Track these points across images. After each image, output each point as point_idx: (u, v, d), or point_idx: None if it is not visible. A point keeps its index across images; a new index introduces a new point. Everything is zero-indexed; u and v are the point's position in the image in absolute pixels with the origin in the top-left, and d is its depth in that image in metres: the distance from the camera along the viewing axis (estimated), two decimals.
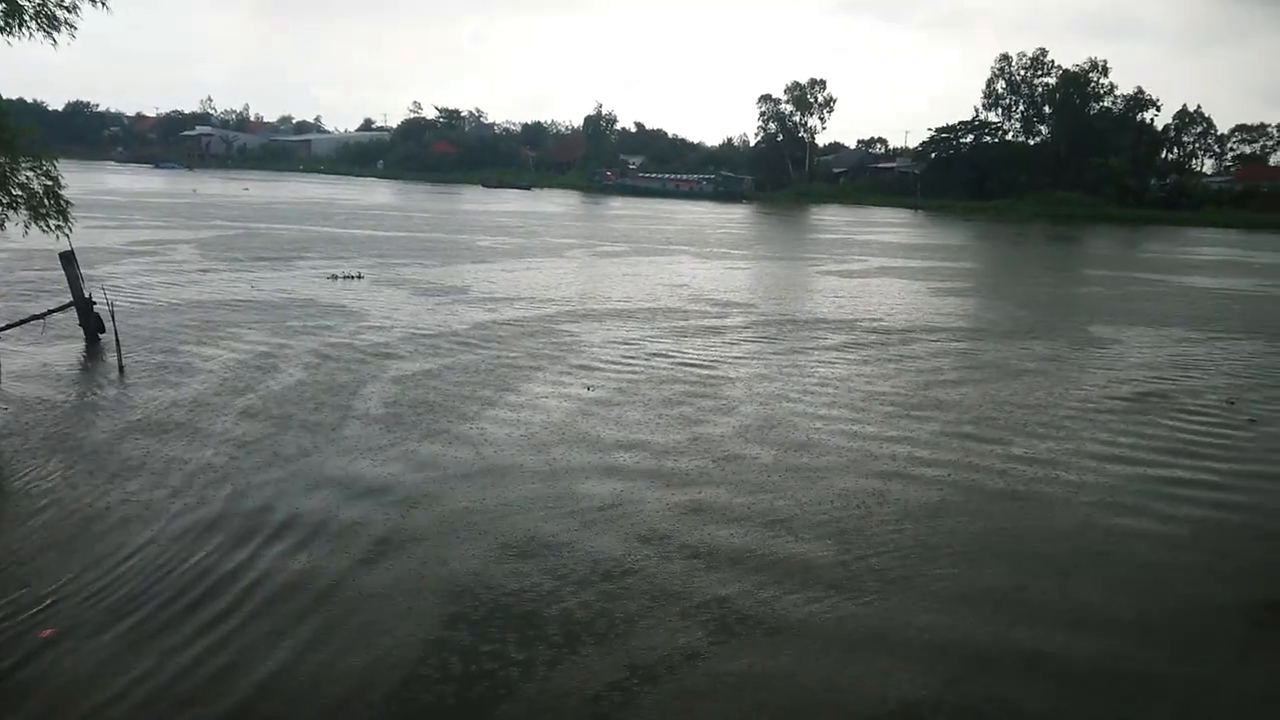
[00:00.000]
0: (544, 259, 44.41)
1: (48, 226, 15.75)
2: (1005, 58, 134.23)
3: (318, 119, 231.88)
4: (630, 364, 21.14)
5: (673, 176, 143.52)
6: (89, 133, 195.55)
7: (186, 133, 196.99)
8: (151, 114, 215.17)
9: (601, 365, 20.85)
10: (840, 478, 13.86)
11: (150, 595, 9.61)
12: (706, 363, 21.67)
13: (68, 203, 16.02)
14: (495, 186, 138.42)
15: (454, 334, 23.94)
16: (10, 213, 15.41)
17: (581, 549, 11.00)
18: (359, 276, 34.24)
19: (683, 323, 27.10)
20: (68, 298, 22.06)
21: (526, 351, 22.08)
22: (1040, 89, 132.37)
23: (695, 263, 45.63)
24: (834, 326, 27.54)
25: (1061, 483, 14.07)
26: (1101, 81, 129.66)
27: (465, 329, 24.69)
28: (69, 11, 15.32)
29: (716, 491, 13.06)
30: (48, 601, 9.37)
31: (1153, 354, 25.19)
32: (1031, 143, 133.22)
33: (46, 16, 15.18)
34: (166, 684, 8.07)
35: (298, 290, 30.40)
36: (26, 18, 15.00)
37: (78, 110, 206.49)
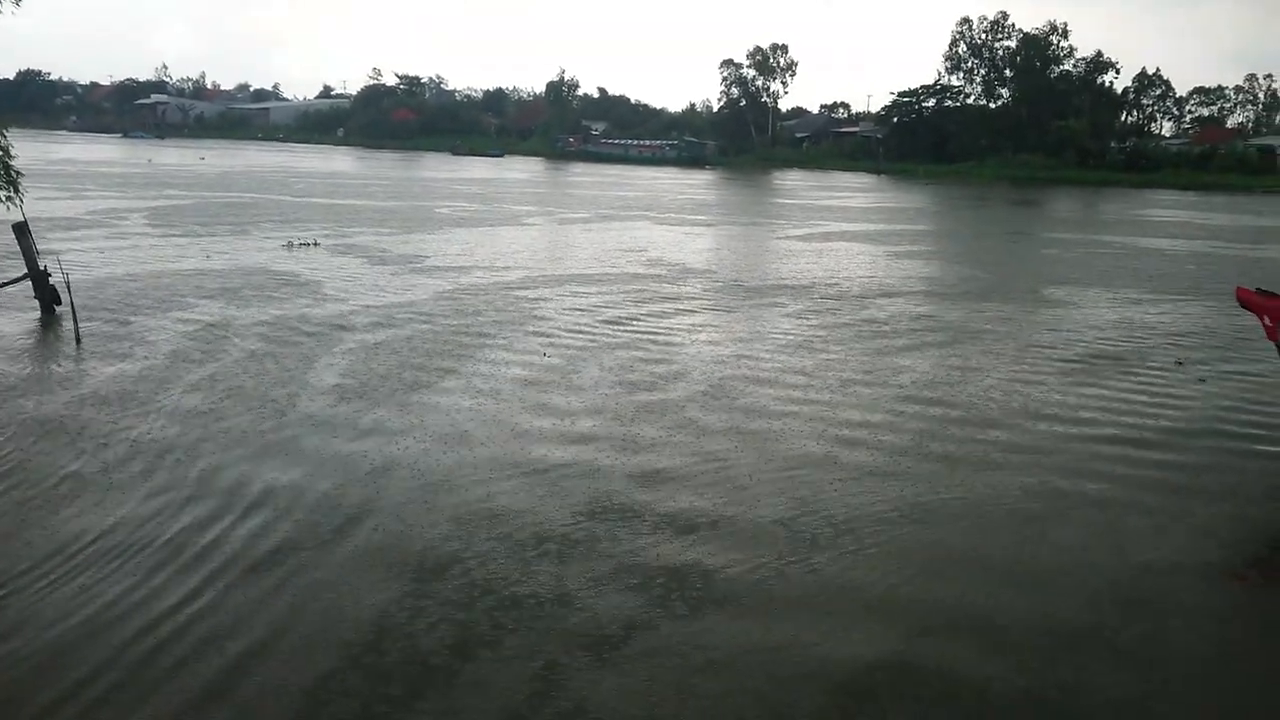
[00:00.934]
0: (503, 226, 44.17)
1: None
2: (966, 21, 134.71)
3: (276, 86, 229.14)
4: (586, 331, 21.09)
5: (636, 142, 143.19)
6: (41, 102, 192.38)
7: (142, 101, 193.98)
8: (105, 82, 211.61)
9: (557, 332, 20.79)
10: (793, 442, 13.91)
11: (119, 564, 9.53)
12: (661, 329, 21.65)
13: (18, 173, 15.78)
14: (465, 154, 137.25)
15: (410, 303, 23.76)
16: None
17: (532, 517, 10.98)
18: (315, 244, 33.92)
19: (640, 288, 27.05)
20: (18, 270, 21.70)
21: (482, 319, 21.97)
22: (1001, 52, 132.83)
23: (655, 229, 45.56)
24: (791, 292, 27.58)
25: (1012, 446, 14.17)
26: (1061, 44, 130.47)
27: (421, 298, 24.52)
28: None
29: (667, 457, 13.04)
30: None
31: (1104, 315, 25.42)
32: (993, 106, 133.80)
33: None
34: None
35: (252, 259, 30.05)
36: None
37: (29, 79, 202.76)
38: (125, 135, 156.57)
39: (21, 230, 21.00)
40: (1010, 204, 76.31)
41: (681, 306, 24.71)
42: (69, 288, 20.15)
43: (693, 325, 22.37)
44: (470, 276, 28.23)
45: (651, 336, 20.79)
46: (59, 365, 17.09)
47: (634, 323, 22.22)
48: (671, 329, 21.77)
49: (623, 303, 24.74)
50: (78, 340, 18.63)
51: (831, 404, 16.00)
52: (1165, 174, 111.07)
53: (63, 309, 20.51)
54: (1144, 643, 8.86)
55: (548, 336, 20.33)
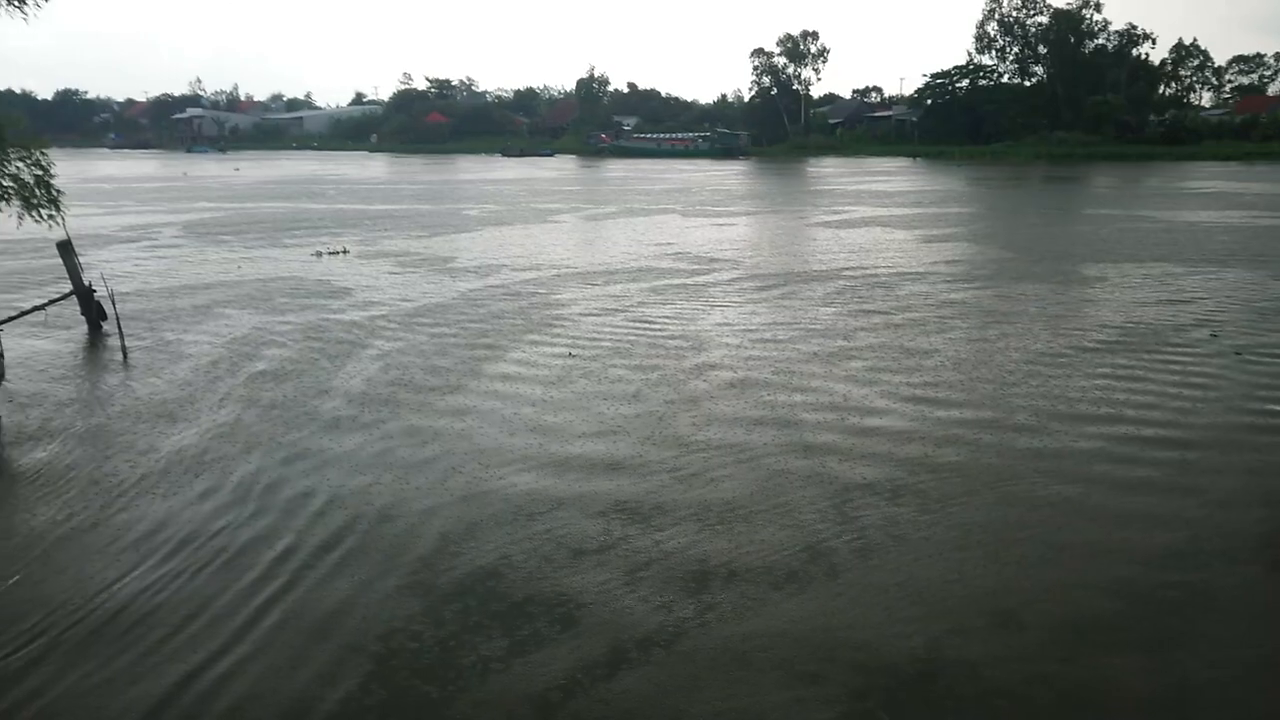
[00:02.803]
0: (532, 225, 44.23)
1: (40, 216, 15.73)
2: None
3: (308, 95, 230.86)
4: (612, 328, 21.05)
5: (668, 136, 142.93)
6: (80, 121, 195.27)
7: (177, 115, 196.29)
8: (141, 99, 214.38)
9: (583, 331, 20.76)
10: (816, 434, 13.80)
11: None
12: (686, 323, 21.58)
13: (59, 192, 15.99)
14: (516, 155, 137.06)
15: (438, 305, 23.86)
16: (2, 204, 15.36)
17: (562, 516, 10.99)
18: (345, 251, 34.14)
19: (666, 282, 26.97)
20: (60, 287, 22.01)
21: (508, 319, 22.01)
22: (1033, 29, 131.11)
23: (685, 221, 45.44)
24: (821, 278, 27.39)
25: (1046, 431, 13.97)
26: (1095, 18, 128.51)
27: (449, 300, 24.62)
28: None
29: (691, 457, 12.97)
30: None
31: (1139, 291, 25.02)
32: (1027, 84, 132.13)
33: None
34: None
35: (284, 268, 30.31)
36: None
37: (67, 99, 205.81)
38: (189, 151, 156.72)
39: (66, 248, 21.26)
40: (1047, 182, 75.36)
41: (708, 299, 24.59)
42: (114, 303, 20.46)
43: (720, 324, 22.21)
44: (498, 276, 28.29)
45: (674, 331, 20.72)
46: (109, 382, 17.33)
47: (658, 318, 22.16)
48: (695, 321, 21.68)
49: (648, 298, 24.67)
50: (124, 356, 18.94)
51: (859, 396, 15.85)
52: (1207, 145, 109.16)
53: (108, 325, 20.83)
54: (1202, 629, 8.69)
55: (574, 336, 20.31)
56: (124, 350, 19.22)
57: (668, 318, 22.00)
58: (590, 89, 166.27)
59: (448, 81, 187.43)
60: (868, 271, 28.63)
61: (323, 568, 9.77)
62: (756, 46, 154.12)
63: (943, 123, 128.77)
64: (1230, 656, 8.18)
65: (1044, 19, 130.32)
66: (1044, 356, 18.01)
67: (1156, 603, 9.00)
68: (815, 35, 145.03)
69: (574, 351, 18.74)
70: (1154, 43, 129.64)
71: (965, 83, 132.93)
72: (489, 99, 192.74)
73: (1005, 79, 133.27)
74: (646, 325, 21.19)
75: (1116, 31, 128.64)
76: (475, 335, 20.34)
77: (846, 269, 29.20)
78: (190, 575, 9.67)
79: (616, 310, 22.90)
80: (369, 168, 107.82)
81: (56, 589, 9.38)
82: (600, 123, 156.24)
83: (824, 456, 12.73)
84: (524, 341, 19.67)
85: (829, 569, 9.62)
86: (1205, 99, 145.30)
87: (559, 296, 24.88)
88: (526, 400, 15.47)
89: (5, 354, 17.00)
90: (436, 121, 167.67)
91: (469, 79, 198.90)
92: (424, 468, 12.51)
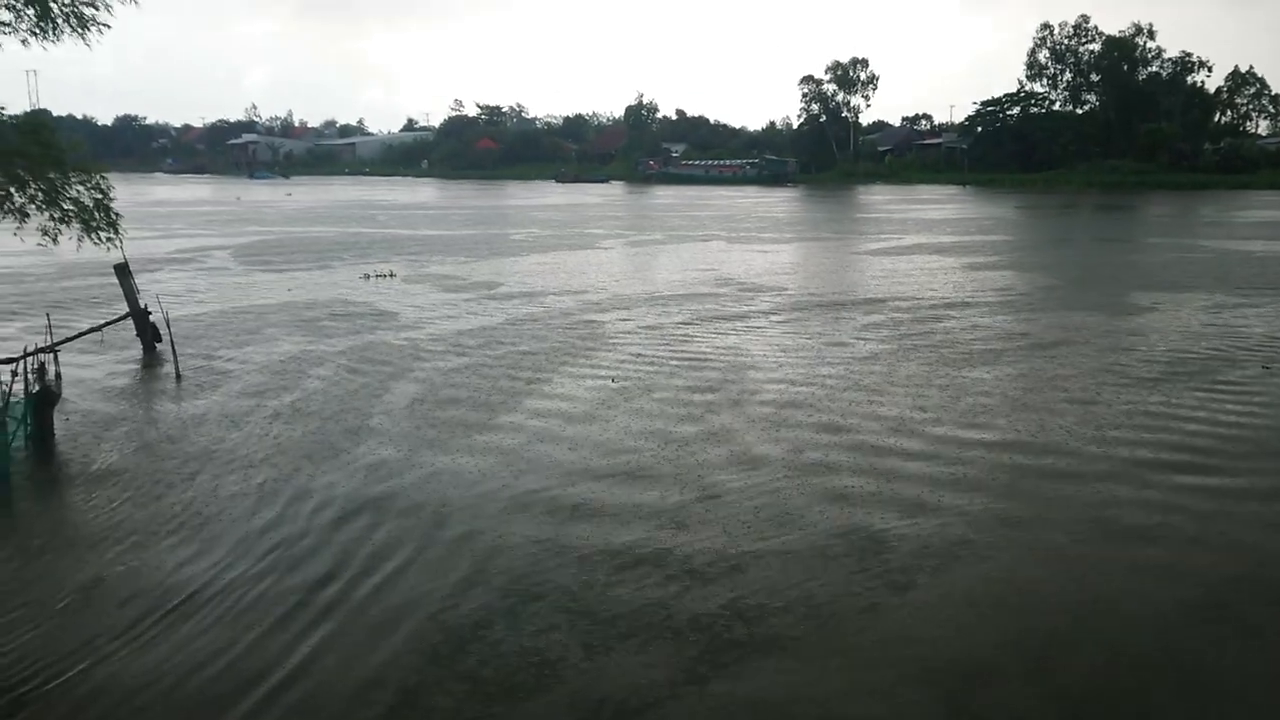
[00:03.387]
0: (577, 251, 44.39)
1: (99, 239, 16.05)
2: (1046, 26, 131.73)
3: (361, 122, 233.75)
4: (654, 355, 21.04)
5: (715, 163, 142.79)
6: (138, 146, 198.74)
7: (233, 141, 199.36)
8: (198, 124, 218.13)
9: (626, 358, 20.76)
10: (851, 476, 13.68)
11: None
12: (727, 352, 21.52)
13: (118, 215, 16.29)
14: (571, 181, 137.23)
15: (481, 329, 24.00)
16: (63, 226, 15.68)
17: (607, 539, 11.16)
18: (391, 275, 34.47)
19: (708, 308, 26.93)
20: (115, 309, 22.37)
21: (551, 345, 22.07)
22: (1086, 56, 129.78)
23: (731, 248, 45.37)
24: (865, 306, 27.21)
25: (1090, 457, 13.76)
26: (1148, 45, 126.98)
27: (493, 324, 24.76)
28: (95, 9, 15.50)
29: (724, 486, 12.96)
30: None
31: (1190, 321, 24.59)
32: (1079, 112, 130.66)
33: (76, 16, 15.35)
34: None
35: (332, 291, 30.67)
36: (58, 20, 15.20)
37: (126, 124, 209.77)
38: (252, 176, 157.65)
39: (123, 271, 21.65)
40: (1098, 210, 74.39)
41: (750, 325, 24.52)
42: (169, 325, 20.81)
43: (762, 353, 22.07)
44: (542, 302, 28.40)
45: (715, 359, 20.68)
46: (165, 403, 17.72)
47: (698, 342, 22.13)
48: (737, 349, 21.61)
49: (689, 323, 24.65)
50: (178, 377, 19.28)
51: (902, 430, 15.71)
52: (1263, 174, 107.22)
53: (162, 346, 21.17)
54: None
55: (615, 363, 20.32)
56: (178, 372, 19.56)
57: (710, 347, 21.92)
58: (639, 115, 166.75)
59: (498, 108, 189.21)
60: (914, 300, 28.38)
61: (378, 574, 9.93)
62: (806, 74, 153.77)
63: (993, 150, 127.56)
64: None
65: (1096, 46, 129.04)
66: (1089, 390, 17.73)
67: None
68: (865, 62, 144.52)
69: (615, 378, 18.74)
70: (1209, 70, 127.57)
71: (1016, 110, 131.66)
72: (538, 125, 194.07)
73: (1057, 106, 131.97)
74: (688, 353, 21.15)
75: (1171, 59, 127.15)
76: (516, 360, 20.44)
77: (892, 297, 28.97)
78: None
79: (659, 338, 22.87)
80: (419, 193, 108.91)
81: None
82: (648, 149, 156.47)
83: (860, 507, 12.62)
84: (563, 370, 19.71)
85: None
86: (1262, 127, 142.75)
87: (602, 321, 24.92)
88: (557, 437, 15.52)
89: (63, 374, 17.35)
90: (486, 147, 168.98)
91: (519, 105, 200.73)
92: (466, 486, 12.64)
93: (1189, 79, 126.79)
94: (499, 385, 18.23)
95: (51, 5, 15.12)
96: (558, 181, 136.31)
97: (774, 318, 25.70)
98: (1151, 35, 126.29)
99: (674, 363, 20.13)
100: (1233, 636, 8.95)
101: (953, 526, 11.31)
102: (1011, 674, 8.33)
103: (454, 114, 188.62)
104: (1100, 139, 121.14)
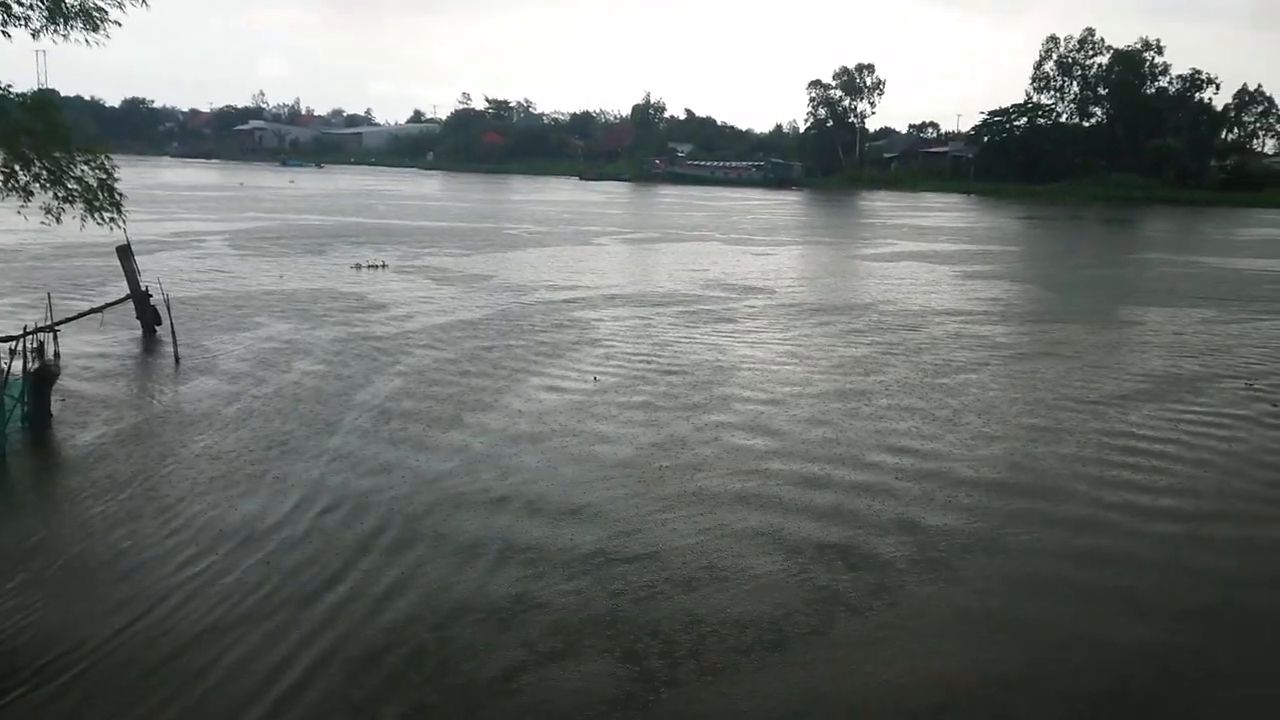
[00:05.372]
0: (573, 247, 44.39)
1: (102, 219, 15.98)
2: (1053, 39, 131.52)
3: (368, 112, 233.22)
4: (637, 354, 21.05)
5: (721, 164, 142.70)
6: (145, 129, 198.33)
7: (240, 127, 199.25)
8: (205, 109, 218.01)
9: (610, 355, 20.75)
10: (849, 471, 13.65)
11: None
12: (712, 353, 21.49)
13: (121, 196, 16.22)
14: (594, 179, 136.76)
15: (468, 323, 24.03)
16: (67, 205, 15.62)
17: (586, 537, 11.16)
18: (383, 265, 34.43)
19: (697, 309, 26.90)
20: (111, 291, 22.24)
21: (536, 341, 22.07)
22: (1093, 69, 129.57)
23: (727, 249, 45.31)
24: (853, 311, 27.15)
25: (1078, 476, 13.75)
26: (1156, 60, 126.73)
27: (480, 317, 24.79)
28: (107, 10, 15.43)
29: (704, 483, 12.98)
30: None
31: (1178, 337, 24.55)
32: (1086, 125, 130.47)
33: (86, 15, 15.28)
34: None
35: (322, 282, 30.65)
36: (69, 17, 15.12)
37: (134, 107, 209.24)
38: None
39: (125, 252, 21.57)
40: (1100, 224, 74.29)
41: (738, 326, 24.50)
42: (169, 308, 20.77)
43: (745, 354, 22.04)
44: (532, 296, 28.38)
45: (700, 359, 20.67)
46: (164, 386, 17.86)
47: (686, 344, 22.10)
48: (722, 350, 21.62)
49: (678, 324, 24.60)
50: (177, 361, 19.34)
51: (883, 432, 15.69)
52: (1269, 193, 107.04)
53: (162, 329, 21.13)
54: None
55: (599, 360, 20.29)
56: (176, 356, 19.58)
57: (695, 347, 21.89)
58: (646, 114, 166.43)
59: (505, 102, 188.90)
60: (904, 307, 28.35)
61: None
62: (813, 78, 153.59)
63: (999, 160, 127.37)
64: None
65: (1103, 60, 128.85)
66: (1067, 403, 17.68)
67: None
68: (871, 68, 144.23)
69: (598, 377, 18.69)
70: (1217, 87, 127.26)
71: (1023, 121, 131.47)
72: (545, 121, 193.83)
73: (1064, 119, 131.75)
74: (673, 353, 21.12)
75: (1179, 75, 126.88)
76: (499, 355, 20.43)
77: (882, 302, 28.94)
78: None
79: (645, 336, 22.86)
80: (422, 185, 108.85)
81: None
82: (655, 148, 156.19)
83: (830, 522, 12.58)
84: (547, 366, 19.70)
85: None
86: (1269, 145, 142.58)
87: (590, 318, 24.89)
88: (543, 419, 15.47)
89: (62, 354, 17.32)
90: (493, 141, 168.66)
91: (526, 100, 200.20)
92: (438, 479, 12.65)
93: (1197, 96, 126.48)
94: (480, 383, 18.26)
95: (62, 2, 15.07)
96: (581, 179, 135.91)
97: (761, 320, 25.68)
98: (1159, 50, 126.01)
99: (658, 362, 20.15)
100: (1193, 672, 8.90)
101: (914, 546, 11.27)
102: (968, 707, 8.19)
103: (461, 107, 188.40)
104: (1106, 153, 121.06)
